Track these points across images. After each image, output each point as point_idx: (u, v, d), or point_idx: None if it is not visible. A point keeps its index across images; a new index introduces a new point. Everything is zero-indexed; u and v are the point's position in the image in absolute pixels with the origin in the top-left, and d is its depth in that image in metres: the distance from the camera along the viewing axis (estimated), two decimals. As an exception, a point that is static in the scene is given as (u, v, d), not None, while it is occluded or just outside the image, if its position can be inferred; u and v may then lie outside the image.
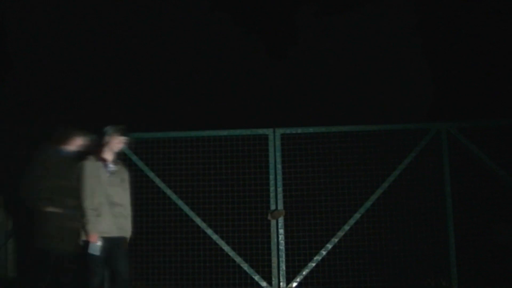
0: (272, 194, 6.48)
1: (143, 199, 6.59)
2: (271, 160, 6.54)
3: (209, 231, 6.52)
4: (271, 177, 6.50)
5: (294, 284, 6.41)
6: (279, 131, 6.61)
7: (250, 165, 6.56)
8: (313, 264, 6.40)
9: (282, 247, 6.41)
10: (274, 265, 6.42)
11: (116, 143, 5.65)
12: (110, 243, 5.44)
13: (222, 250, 6.48)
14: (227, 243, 6.49)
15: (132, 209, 5.70)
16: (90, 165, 5.54)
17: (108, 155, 5.63)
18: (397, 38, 10.82)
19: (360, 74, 10.57)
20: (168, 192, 6.56)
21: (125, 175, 5.74)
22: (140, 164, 6.61)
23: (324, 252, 6.37)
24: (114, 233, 5.49)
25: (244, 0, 11.38)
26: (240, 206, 6.54)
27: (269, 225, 6.46)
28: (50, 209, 5.42)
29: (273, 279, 6.40)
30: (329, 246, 6.40)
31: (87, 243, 5.36)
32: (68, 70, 10.70)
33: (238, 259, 6.46)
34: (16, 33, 10.73)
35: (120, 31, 10.81)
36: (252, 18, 11.39)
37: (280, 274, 6.39)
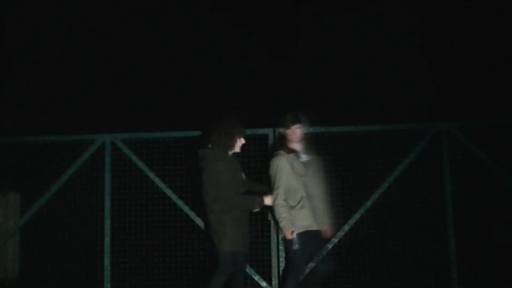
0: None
1: (143, 199, 6.59)
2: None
3: (209, 231, 6.52)
4: (271, 177, 6.49)
5: (294, 284, 6.40)
6: (279, 131, 6.60)
7: (250, 165, 6.56)
8: (313, 264, 6.40)
9: (282, 247, 6.41)
10: (274, 265, 6.42)
11: (298, 131, 5.46)
12: (310, 237, 5.34)
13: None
14: (227, 243, 6.48)
15: (329, 199, 5.57)
16: (283, 160, 5.39)
17: (296, 145, 5.48)
18: (397, 38, 10.82)
19: (360, 74, 10.57)
20: (168, 192, 6.56)
21: (318, 164, 5.55)
22: (140, 164, 6.61)
23: (324, 252, 6.36)
24: (313, 226, 5.35)
25: (244, 0, 11.38)
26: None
27: (269, 225, 6.46)
28: (236, 213, 5.32)
29: (273, 279, 6.40)
30: (329, 246, 6.40)
31: (288, 241, 5.30)
32: (68, 70, 10.70)
33: (238, 259, 6.45)
34: (16, 33, 10.73)
35: (120, 31, 10.82)
36: (252, 18, 11.39)
37: (280, 274, 6.39)
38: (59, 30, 10.76)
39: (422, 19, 10.86)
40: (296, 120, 5.48)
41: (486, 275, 6.26)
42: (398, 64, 10.63)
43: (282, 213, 5.30)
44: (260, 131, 6.64)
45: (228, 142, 5.40)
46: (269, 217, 6.45)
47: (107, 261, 6.49)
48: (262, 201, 5.41)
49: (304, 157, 5.44)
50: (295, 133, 5.48)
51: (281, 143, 5.58)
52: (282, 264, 6.39)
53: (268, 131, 6.61)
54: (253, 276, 6.41)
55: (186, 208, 6.56)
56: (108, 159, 6.63)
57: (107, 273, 6.48)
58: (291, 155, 5.42)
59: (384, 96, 10.16)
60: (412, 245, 6.44)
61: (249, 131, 6.63)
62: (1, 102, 9.75)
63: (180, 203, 6.56)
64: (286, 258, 5.73)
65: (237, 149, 5.48)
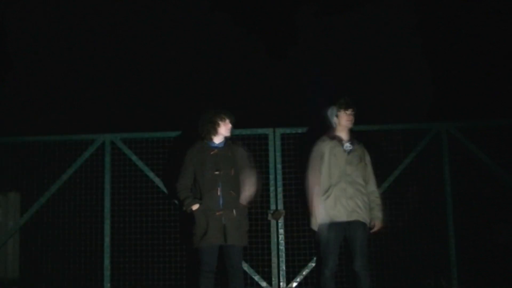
0: (272, 194, 6.48)
1: (143, 199, 6.59)
2: (271, 160, 6.54)
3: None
4: (271, 177, 6.50)
5: (294, 284, 6.41)
6: (279, 131, 6.60)
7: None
8: (313, 264, 6.40)
9: (282, 247, 6.41)
10: (274, 265, 6.41)
11: (344, 119, 5.38)
12: (343, 228, 5.26)
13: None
14: (227, 243, 6.48)
15: (377, 191, 5.49)
16: (322, 145, 5.32)
17: (343, 133, 5.40)
18: (397, 38, 10.82)
19: (360, 74, 10.57)
20: (168, 192, 6.56)
21: (364, 154, 5.45)
22: (140, 164, 6.61)
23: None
24: (341, 217, 5.22)
25: (244, 0, 11.38)
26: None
27: (269, 225, 6.46)
28: (196, 207, 5.28)
29: (273, 279, 6.40)
30: (329, 246, 6.39)
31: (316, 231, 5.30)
32: (68, 70, 10.70)
33: (238, 259, 6.45)
34: (16, 33, 10.73)
35: (120, 31, 10.82)
36: (252, 18, 11.39)
37: (280, 274, 6.39)
38: (59, 30, 10.75)
39: (422, 19, 10.86)
40: (347, 105, 5.39)
41: (486, 275, 6.26)
42: (398, 64, 10.62)
43: (311, 202, 5.29)
44: (260, 131, 6.64)
45: (210, 129, 5.40)
46: (269, 217, 6.45)
47: (107, 261, 6.49)
48: (191, 205, 5.28)
49: (348, 145, 5.34)
50: (344, 118, 5.39)
51: (329, 130, 5.47)
52: (282, 264, 6.39)
53: (268, 131, 6.61)
54: (253, 276, 6.41)
55: (186, 208, 6.56)
56: (108, 159, 6.63)
57: (107, 273, 6.48)
58: (334, 141, 5.33)
59: (384, 96, 10.15)
60: (412, 245, 6.44)
61: (249, 131, 6.65)
62: (1, 102, 9.75)
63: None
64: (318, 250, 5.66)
65: (224, 133, 5.44)
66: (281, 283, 6.38)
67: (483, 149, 6.45)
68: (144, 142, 6.67)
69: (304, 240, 6.41)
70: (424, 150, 6.54)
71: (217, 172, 5.29)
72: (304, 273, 6.40)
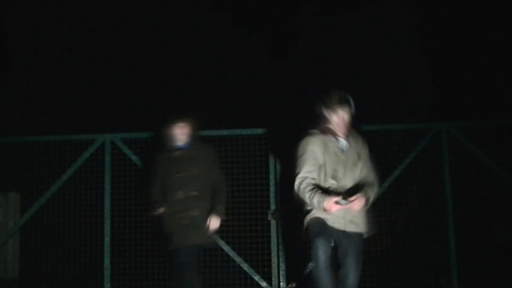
0: (272, 194, 6.48)
1: (143, 199, 6.59)
2: (271, 160, 6.54)
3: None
4: (271, 177, 6.50)
5: (294, 284, 6.41)
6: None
7: (250, 165, 6.56)
8: (313, 264, 6.39)
9: (282, 247, 6.41)
10: (274, 265, 6.41)
11: (342, 115, 4.55)
12: (339, 238, 4.50)
13: (222, 250, 6.48)
14: (227, 243, 6.48)
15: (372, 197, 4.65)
16: (314, 141, 4.49)
17: (338, 128, 4.55)
18: (397, 38, 10.81)
19: (360, 74, 10.57)
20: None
21: (365, 154, 4.68)
22: (140, 164, 6.61)
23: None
24: (342, 226, 4.47)
25: (244, 0, 11.38)
26: (240, 206, 6.53)
27: (269, 225, 6.46)
28: (161, 210, 5.27)
29: (273, 279, 6.40)
30: (329, 246, 6.39)
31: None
32: (68, 70, 10.71)
33: (238, 259, 6.46)
34: (16, 33, 10.73)
35: (120, 31, 10.82)
36: (252, 18, 11.39)
37: (280, 274, 6.39)
38: (59, 30, 10.75)
39: (422, 19, 10.86)
40: (342, 102, 4.57)
41: (486, 275, 6.26)
42: (398, 64, 10.62)
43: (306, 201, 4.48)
44: (260, 131, 6.64)
45: (168, 133, 5.40)
46: (269, 217, 6.45)
47: (107, 261, 6.49)
48: (156, 210, 5.28)
49: (344, 143, 4.56)
50: (340, 117, 4.56)
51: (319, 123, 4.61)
52: (282, 264, 6.39)
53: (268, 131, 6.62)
54: (253, 276, 6.41)
55: (186, 208, 6.56)
56: (108, 159, 6.63)
57: (107, 273, 6.48)
58: (329, 137, 4.56)
59: (384, 96, 10.15)
60: (412, 245, 6.44)
61: (249, 131, 6.65)
62: (1, 102, 9.75)
63: (180, 203, 6.56)
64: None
65: (180, 136, 5.38)
66: (281, 283, 6.38)
67: (483, 149, 6.45)
68: (144, 142, 6.67)
69: (304, 240, 6.40)
70: (424, 150, 6.54)
71: (178, 175, 5.29)
72: (304, 273, 6.40)
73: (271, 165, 6.52)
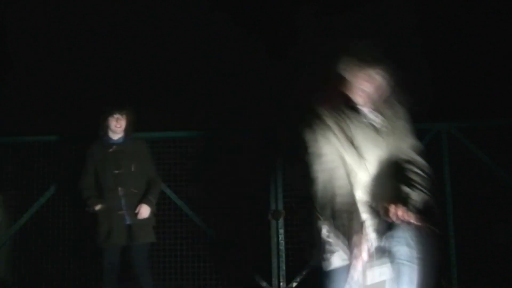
0: (272, 194, 6.48)
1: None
2: (271, 160, 6.54)
3: (209, 231, 6.53)
4: (271, 177, 6.50)
5: (294, 284, 6.40)
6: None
7: (250, 165, 6.56)
8: (313, 264, 6.39)
9: (282, 247, 6.41)
10: (274, 265, 6.41)
11: (370, 81, 3.19)
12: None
13: (221, 250, 6.48)
14: (227, 243, 6.49)
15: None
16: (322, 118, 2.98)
17: (361, 97, 3.15)
18: (397, 38, 10.82)
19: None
20: (168, 192, 6.56)
21: (402, 132, 3.37)
22: (140, 164, 6.61)
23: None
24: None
25: (244, 0, 11.38)
26: (240, 206, 6.53)
27: (269, 225, 6.46)
28: (99, 206, 5.20)
29: (273, 279, 6.40)
30: (329, 246, 6.39)
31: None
32: (68, 70, 10.70)
33: (238, 259, 6.46)
34: (16, 33, 10.73)
35: (120, 31, 10.82)
36: (252, 18, 11.39)
37: (280, 274, 6.39)
38: (59, 30, 10.75)
39: (422, 19, 10.86)
40: (370, 60, 3.26)
41: (486, 275, 6.26)
42: (398, 64, 10.61)
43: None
44: (259, 131, 6.64)
45: (102, 124, 5.29)
46: (269, 217, 6.45)
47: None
48: (94, 205, 5.19)
49: (375, 117, 3.14)
50: (364, 83, 3.18)
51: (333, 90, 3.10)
52: (282, 264, 6.39)
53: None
54: (253, 276, 6.41)
55: (186, 208, 6.56)
56: (107, 159, 6.61)
57: (107, 273, 6.47)
58: (349, 112, 3.07)
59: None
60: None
61: (249, 131, 6.65)
62: (1, 102, 9.75)
63: (180, 202, 6.56)
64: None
65: (114, 129, 5.27)
66: (281, 283, 6.38)
67: (483, 149, 6.45)
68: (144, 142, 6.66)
69: (304, 240, 6.41)
70: (424, 150, 6.53)
71: (116, 171, 5.18)
72: (304, 273, 6.40)
73: (271, 165, 6.52)
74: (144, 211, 5.17)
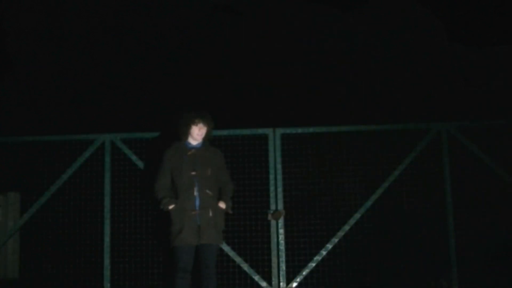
0: (272, 194, 6.48)
1: (143, 199, 6.59)
2: (271, 160, 6.54)
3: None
4: (271, 177, 6.50)
5: (294, 284, 6.41)
6: (279, 131, 6.60)
7: (250, 165, 6.56)
8: (313, 264, 6.40)
9: (282, 247, 6.41)
10: (274, 265, 6.41)
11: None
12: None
13: (222, 250, 6.48)
14: (227, 243, 6.49)
15: None
16: None
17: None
18: (397, 38, 10.82)
19: (360, 74, 10.57)
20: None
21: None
22: (140, 164, 6.62)
23: (324, 252, 6.36)
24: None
25: (245, 0, 11.38)
26: (240, 206, 6.53)
27: (269, 225, 6.46)
28: (172, 206, 5.27)
29: (273, 279, 6.40)
30: (329, 246, 6.40)
31: None
32: (68, 70, 10.71)
33: (238, 259, 6.46)
34: (16, 33, 10.73)
35: (120, 31, 10.81)
36: (252, 18, 11.39)
37: (280, 274, 6.39)
38: (59, 30, 10.76)
39: (422, 18, 10.86)
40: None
41: (486, 275, 6.26)
42: (398, 64, 10.63)
43: None
44: (260, 131, 6.64)
45: (185, 131, 5.39)
46: (269, 217, 6.45)
47: (107, 261, 6.49)
48: (168, 204, 5.29)
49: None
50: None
51: None
52: (282, 264, 6.39)
53: (268, 131, 6.61)
54: (253, 276, 6.41)
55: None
56: (108, 159, 6.63)
57: (107, 273, 6.48)
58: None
59: (384, 96, 10.16)
60: (412, 245, 6.44)
61: (249, 131, 6.65)
62: (1, 102, 9.75)
63: (180, 203, 6.56)
64: None
65: (196, 136, 5.38)
66: (281, 283, 6.38)
67: (483, 149, 6.45)
68: (144, 142, 6.67)
69: (304, 240, 6.41)
70: (424, 150, 6.54)
71: (193, 173, 5.29)
72: (304, 273, 6.40)
73: (271, 165, 6.52)
74: (222, 205, 5.31)
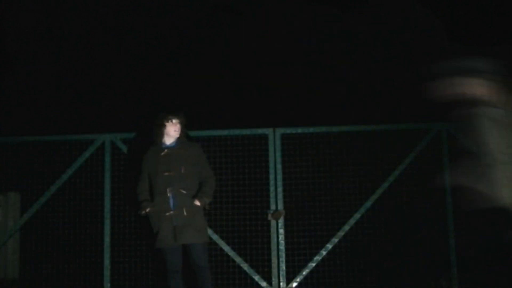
0: (272, 194, 6.48)
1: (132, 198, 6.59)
2: (271, 160, 6.54)
3: (208, 231, 6.52)
4: (271, 177, 6.51)
5: (294, 284, 6.41)
6: (279, 131, 6.61)
7: (250, 165, 6.56)
8: (313, 264, 6.40)
9: (282, 247, 6.41)
10: (274, 265, 6.42)
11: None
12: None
13: (222, 250, 6.48)
14: (227, 243, 6.49)
15: None
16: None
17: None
18: (397, 38, 10.82)
19: (360, 74, 10.57)
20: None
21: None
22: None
23: (324, 252, 6.36)
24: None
25: (246, 1, 11.38)
26: (240, 206, 6.54)
27: (269, 225, 6.46)
28: (148, 209, 5.29)
29: (273, 279, 6.40)
30: (329, 246, 6.40)
31: None
32: (68, 70, 10.71)
33: (238, 259, 6.46)
34: (16, 33, 10.73)
35: (120, 31, 10.82)
36: (251, 18, 11.39)
37: (280, 274, 6.39)
38: (59, 30, 10.76)
39: (422, 18, 10.86)
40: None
41: (486, 275, 6.26)
42: (398, 64, 10.62)
43: None
44: (260, 131, 6.64)
45: (158, 131, 5.40)
46: (269, 217, 6.45)
47: (107, 261, 6.49)
48: (144, 209, 5.30)
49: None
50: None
51: None
52: (282, 264, 6.39)
53: (268, 131, 6.62)
54: (253, 276, 6.41)
55: (186, 208, 6.56)
56: (108, 159, 6.63)
57: (107, 273, 6.48)
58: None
59: (384, 96, 10.15)
60: (412, 245, 6.44)
61: (249, 131, 6.65)
62: (1, 102, 9.75)
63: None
64: None
65: (172, 134, 5.38)
66: (281, 283, 6.38)
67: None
68: (144, 142, 6.67)
69: (304, 240, 6.42)
70: (424, 150, 6.54)
71: (166, 173, 5.27)
72: (304, 273, 6.41)
73: (271, 165, 6.52)
74: (197, 203, 5.24)
